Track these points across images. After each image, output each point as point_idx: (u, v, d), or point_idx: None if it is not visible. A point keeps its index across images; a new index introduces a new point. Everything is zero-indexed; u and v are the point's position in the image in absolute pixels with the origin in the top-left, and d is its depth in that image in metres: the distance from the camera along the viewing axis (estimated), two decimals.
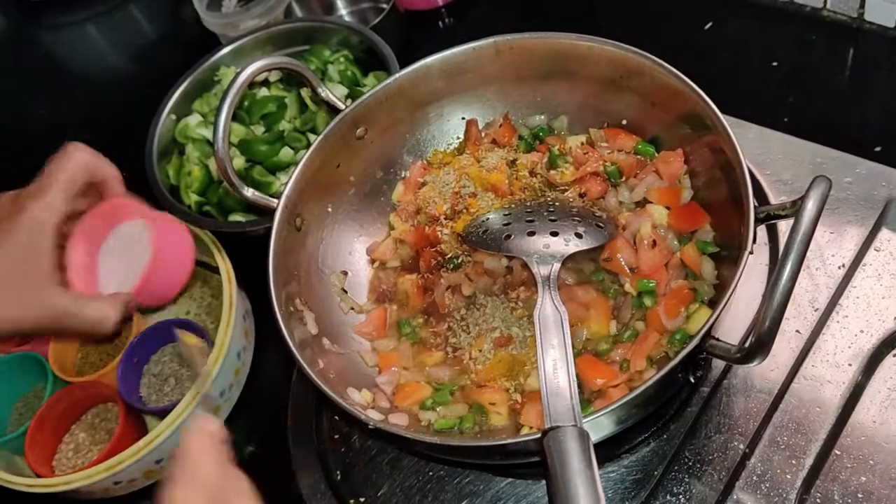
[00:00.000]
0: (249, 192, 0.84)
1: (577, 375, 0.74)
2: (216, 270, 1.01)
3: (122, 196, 0.77)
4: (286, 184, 0.83)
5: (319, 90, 0.90)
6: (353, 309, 0.88)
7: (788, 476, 0.73)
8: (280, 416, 0.92)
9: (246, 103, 1.11)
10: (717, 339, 0.66)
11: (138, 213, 0.77)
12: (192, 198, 1.06)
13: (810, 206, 0.61)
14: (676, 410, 0.79)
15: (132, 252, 0.77)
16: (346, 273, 0.90)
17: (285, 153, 1.06)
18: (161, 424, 0.88)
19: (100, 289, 0.76)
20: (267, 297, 0.77)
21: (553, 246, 0.76)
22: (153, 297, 0.79)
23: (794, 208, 0.65)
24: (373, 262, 0.91)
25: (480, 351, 0.80)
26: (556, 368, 0.67)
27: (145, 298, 0.77)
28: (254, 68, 0.81)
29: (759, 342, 0.60)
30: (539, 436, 0.62)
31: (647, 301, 0.78)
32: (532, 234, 0.78)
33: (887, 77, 1.01)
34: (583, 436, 0.61)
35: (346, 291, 0.89)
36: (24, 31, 1.59)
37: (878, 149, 0.94)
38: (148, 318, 1.05)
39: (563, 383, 0.66)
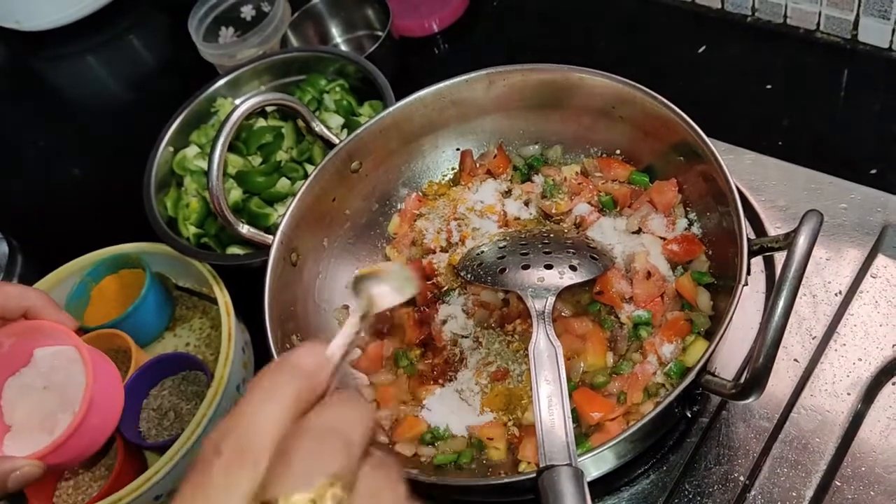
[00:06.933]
0: (245, 229, 0.85)
1: (574, 409, 0.74)
2: (215, 301, 1.01)
3: (53, 321, 0.64)
4: (281, 219, 0.84)
5: (313, 125, 0.91)
6: (357, 346, 0.88)
7: None
8: None
9: (243, 134, 1.11)
10: (713, 375, 0.66)
11: (65, 338, 0.64)
12: (190, 230, 1.07)
13: (801, 242, 0.61)
14: (676, 441, 0.78)
15: (53, 389, 0.64)
16: (347, 307, 0.90)
17: (282, 184, 1.06)
18: (161, 460, 0.88)
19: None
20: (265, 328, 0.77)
21: (548, 279, 0.76)
22: (72, 454, 0.64)
23: (787, 241, 0.65)
24: None
25: (477, 384, 0.80)
26: (550, 405, 0.67)
27: (61, 457, 0.62)
28: (246, 107, 0.81)
29: (754, 379, 0.60)
30: (534, 475, 0.62)
31: (643, 332, 0.78)
32: (527, 267, 0.78)
33: (882, 98, 1.01)
34: (577, 475, 0.61)
35: None
36: (24, 61, 1.61)
37: (873, 171, 0.94)
38: (147, 351, 1.06)
39: (559, 420, 0.66)
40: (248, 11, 1.35)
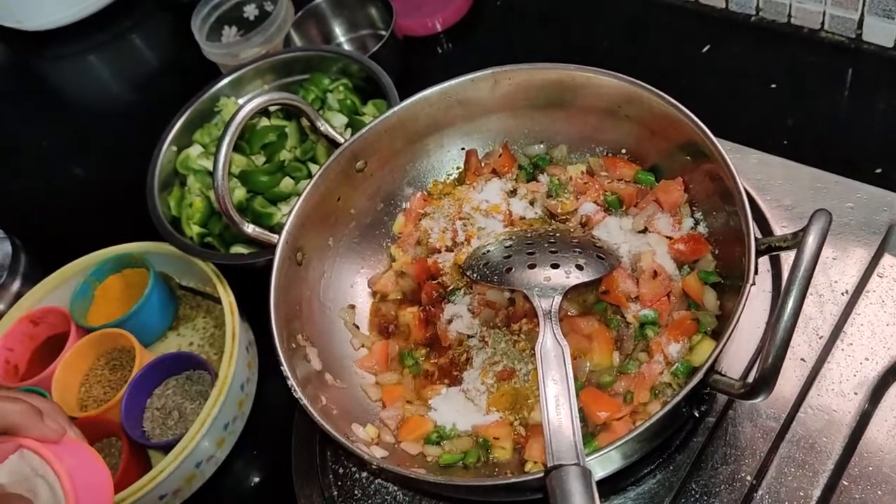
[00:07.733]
0: (250, 229, 0.84)
1: (581, 409, 0.74)
2: (218, 301, 1.01)
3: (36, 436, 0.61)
4: (286, 218, 0.83)
5: (318, 124, 0.90)
6: (363, 346, 0.88)
7: None
8: (284, 446, 0.92)
9: (246, 134, 1.11)
10: (721, 374, 0.66)
11: (49, 459, 0.60)
12: (193, 229, 1.06)
13: (811, 241, 0.60)
14: (682, 441, 0.78)
15: (45, 476, 0.61)
16: (353, 307, 0.90)
17: (286, 184, 1.06)
18: (165, 459, 0.88)
19: None
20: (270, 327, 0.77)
21: (554, 278, 0.76)
22: None
23: (795, 240, 0.65)
24: (374, 294, 0.91)
25: (483, 384, 0.80)
26: (558, 404, 0.67)
27: None
28: (252, 106, 0.81)
29: (763, 379, 0.60)
30: (542, 475, 0.62)
31: (650, 332, 0.77)
32: (533, 266, 0.78)
33: (887, 98, 1.01)
34: (585, 475, 0.61)
35: (357, 327, 0.89)
36: (26, 61, 1.60)
37: (878, 171, 0.94)
38: (151, 350, 1.05)
39: (566, 420, 0.66)
40: (251, 11, 1.35)
